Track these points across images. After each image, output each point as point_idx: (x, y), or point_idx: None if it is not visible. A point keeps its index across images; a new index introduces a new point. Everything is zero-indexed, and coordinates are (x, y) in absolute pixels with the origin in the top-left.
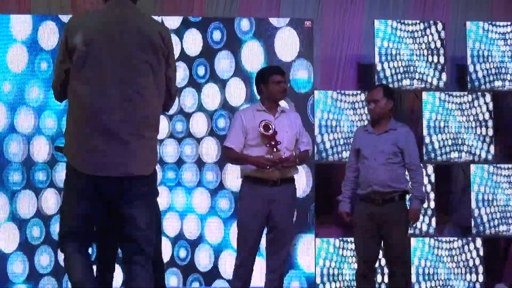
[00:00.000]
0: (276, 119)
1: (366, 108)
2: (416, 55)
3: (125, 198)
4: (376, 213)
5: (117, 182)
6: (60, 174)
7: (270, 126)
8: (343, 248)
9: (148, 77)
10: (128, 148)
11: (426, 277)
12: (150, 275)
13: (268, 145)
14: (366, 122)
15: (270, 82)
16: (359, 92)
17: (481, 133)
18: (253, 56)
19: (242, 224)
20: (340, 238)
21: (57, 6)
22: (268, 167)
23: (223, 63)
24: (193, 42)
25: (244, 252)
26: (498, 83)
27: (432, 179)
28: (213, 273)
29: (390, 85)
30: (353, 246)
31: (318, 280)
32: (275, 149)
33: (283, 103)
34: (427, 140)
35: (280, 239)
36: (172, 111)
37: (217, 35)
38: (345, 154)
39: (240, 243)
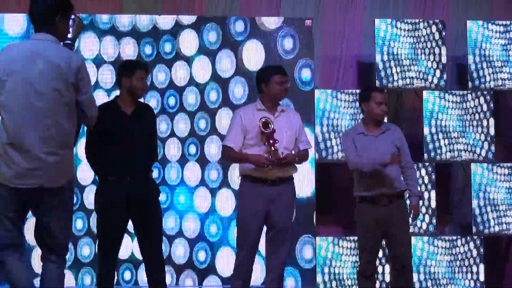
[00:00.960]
0: (275, 118)
1: (367, 107)
2: (417, 54)
3: (41, 206)
4: (381, 214)
5: (36, 192)
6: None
7: (270, 124)
8: (343, 247)
9: (58, 103)
10: (43, 164)
11: (427, 276)
12: (61, 273)
13: (266, 143)
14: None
15: (272, 82)
16: (359, 91)
17: (481, 132)
18: (252, 56)
19: (241, 223)
20: (341, 237)
21: None
22: (266, 166)
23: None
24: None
25: (243, 252)
26: (498, 82)
27: (433, 178)
28: (209, 271)
29: (391, 84)
30: (353, 244)
31: (318, 279)
32: (273, 148)
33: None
34: (427, 139)
35: (279, 238)
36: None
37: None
38: None
39: (239, 242)
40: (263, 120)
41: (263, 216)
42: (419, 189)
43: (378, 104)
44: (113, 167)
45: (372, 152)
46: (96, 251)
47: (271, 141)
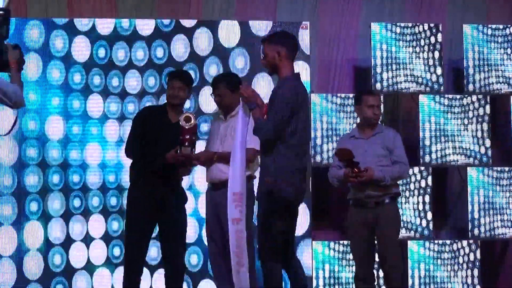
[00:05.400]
0: (223, 124)
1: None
2: (413, 58)
3: None
4: (369, 217)
5: None
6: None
7: (191, 120)
8: (339, 251)
9: None
10: None
11: (423, 280)
12: None
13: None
14: None
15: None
16: (353, 94)
17: (477, 136)
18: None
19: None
20: (337, 241)
21: (54, 9)
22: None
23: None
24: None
25: (211, 257)
26: (494, 86)
27: (429, 182)
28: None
29: (386, 88)
30: (349, 248)
31: (315, 283)
32: (186, 143)
33: None
34: (423, 143)
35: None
36: None
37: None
38: None
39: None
40: (185, 115)
41: (218, 221)
42: (389, 180)
43: (369, 107)
44: (148, 170)
45: (360, 155)
46: (124, 252)
47: (187, 137)
